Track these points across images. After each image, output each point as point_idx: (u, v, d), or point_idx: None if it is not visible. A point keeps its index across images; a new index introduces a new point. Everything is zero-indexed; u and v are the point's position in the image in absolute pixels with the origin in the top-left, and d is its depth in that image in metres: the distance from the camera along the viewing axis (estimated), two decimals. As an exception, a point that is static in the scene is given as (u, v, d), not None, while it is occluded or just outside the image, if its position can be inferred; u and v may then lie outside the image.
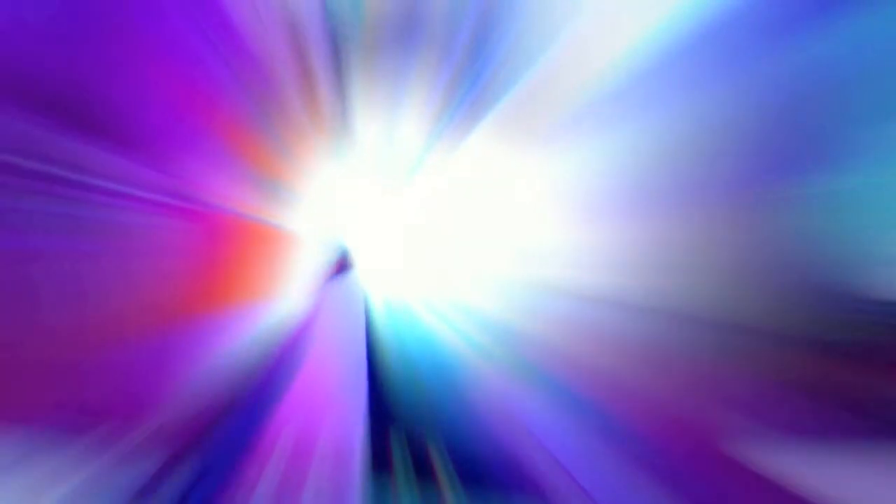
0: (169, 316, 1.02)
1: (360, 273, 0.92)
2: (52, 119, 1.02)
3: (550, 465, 0.83)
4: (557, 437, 0.84)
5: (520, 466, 0.81)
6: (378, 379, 0.91)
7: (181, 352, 1.01)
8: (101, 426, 0.76)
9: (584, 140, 0.95)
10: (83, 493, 0.63)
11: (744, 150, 0.87)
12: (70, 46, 1.01)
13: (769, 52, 0.89)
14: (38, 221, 1.07)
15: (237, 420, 0.76)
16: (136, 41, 1.06)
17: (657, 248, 0.90)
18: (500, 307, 0.85)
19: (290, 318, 0.87)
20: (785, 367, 0.86)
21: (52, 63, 0.98)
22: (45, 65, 0.96)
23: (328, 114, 1.12)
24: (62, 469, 0.66)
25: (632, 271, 0.91)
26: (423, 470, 0.70)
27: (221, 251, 1.03)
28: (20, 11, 0.97)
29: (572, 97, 0.94)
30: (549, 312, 0.82)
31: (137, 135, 1.04)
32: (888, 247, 0.90)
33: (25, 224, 1.05)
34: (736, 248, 0.85)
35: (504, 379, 0.82)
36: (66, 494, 0.63)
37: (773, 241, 0.85)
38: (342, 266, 0.91)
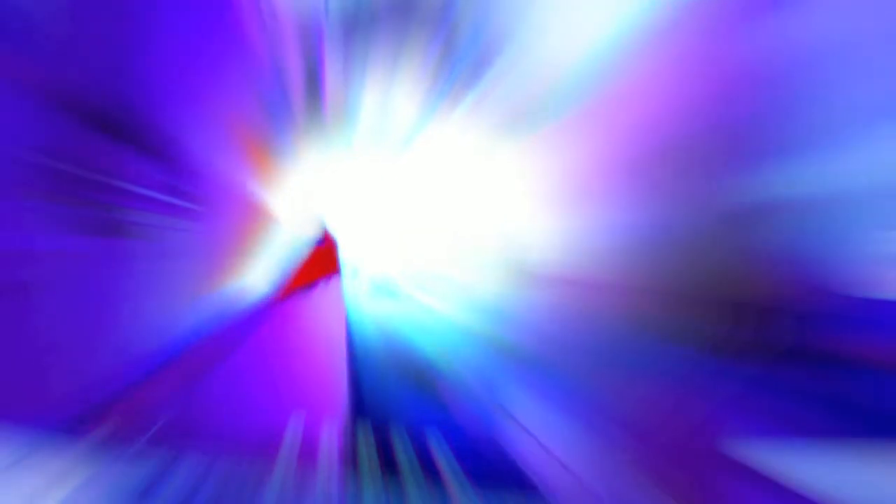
0: (180, 311, 1.04)
1: (347, 253, 0.93)
2: (92, 131, 1.09)
3: (534, 448, 0.85)
4: (541, 416, 0.86)
5: (505, 450, 0.82)
6: (364, 360, 0.92)
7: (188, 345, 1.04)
8: (103, 425, 0.77)
9: (569, 129, 0.98)
10: (85, 493, 0.63)
11: (715, 145, 0.91)
12: (106, 65, 1.07)
13: (745, 45, 0.92)
14: (70, 223, 1.12)
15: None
16: (167, 61, 1.13)
17: (632, 233, 0.94)
18: (484, 284, 0.86)
19: (258, 295, 0.89)
20: (740, 348, 0.89)
21: (89, 77, 1.05)
22: (84, 79, 1.03)
23: (326, 95, 1.15)
24: (64, 469, 0.67)
25: (609, 254, 0.94)
26: (402, 460, 0.71)
27: (228, 248, 1.07)
28: (67, 37, 1.04)
29: (559, 86, 0.97)
30: (531, 291, 0.84)
31: (164, 145, 1.12)
32: (845, 244, 0.93)
33: (59, 225, 1.10)
34: (703, 234, 0.88)
35: (487, 354, 0.83)
36: (68, 494, 0.63)
37: (735, 230, 0.88)
38: (327, 248, 0.92)
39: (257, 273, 0.90)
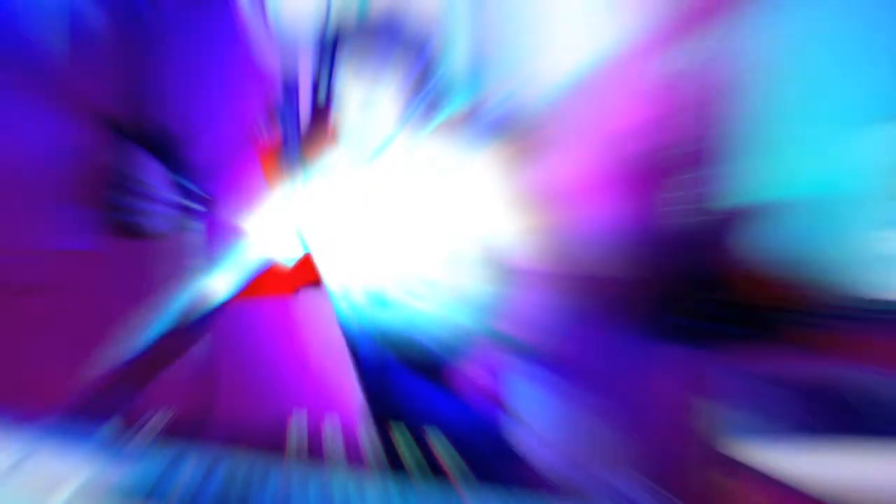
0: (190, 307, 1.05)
1: (334, 265, 0.95)
2: (116, 140, 1.14)
3: (532, 438, 0.87)
4: (535, 405, 0.88)
5: (505, 441, 0.84)
6: (364, 360, 0.94)
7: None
8: (109, 422, 0.77)
9: (540, 140, 1.04)
10: (90, 492, 0.64)
11: (681, 153, 0.96)
12: (133, 83, 1.13)
13: (720, 58, 0.97)
14: (98, 226, 1.14)
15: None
16: (183, 78, 1.18)
17: (607, 232, 0.99)
18: (468, 283, 0.89)
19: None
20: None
21: (118, 93, 1.13)
22: (114, 96, 1.13)
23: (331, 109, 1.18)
24: (69, 467, 0.67)
25: (582, 251, 0.99)
26: (407, 455, 0.71)
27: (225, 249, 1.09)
28: (97, 59, 1.11)
29: (530, 103, 1.04)
30: (509, 286, 0.87)
31: (187, 158, 1.18)
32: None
33: (88, 228, 1.13)
34: (677, 234, 0.94)
35: (479, 347, 0.86)
36: (73, 493, 0.64)
37: (714, 229, 0.93)
38: (305, 260, 0.94)
39: (228, 278, 0.94)
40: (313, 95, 0.87)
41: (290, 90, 1.18)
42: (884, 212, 0.89)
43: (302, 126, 1.22)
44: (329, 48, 0.83)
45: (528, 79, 1.08)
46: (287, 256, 0.94)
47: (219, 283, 0.92)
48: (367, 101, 0.82)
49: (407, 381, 0.88)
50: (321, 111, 1.15)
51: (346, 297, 0.93)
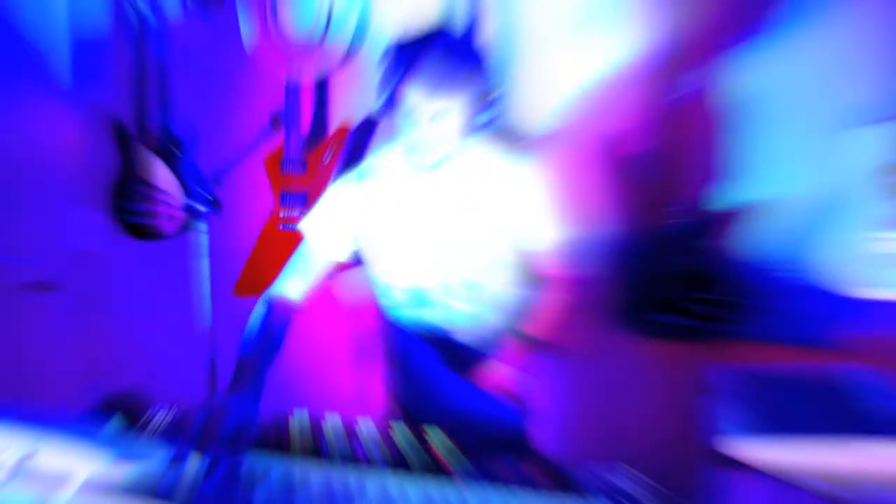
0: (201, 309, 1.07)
1: (375, 261, 0.96)
2: (132, 146, 1.24)
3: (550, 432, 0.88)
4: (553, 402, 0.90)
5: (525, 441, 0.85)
6: (399, 361, 0.96)
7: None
8: (121, 419, 0.78)
9: (562, 157, 1.11)
10: (94, 489, 0.64)
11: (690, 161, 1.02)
12: (147, 94, 1.24)
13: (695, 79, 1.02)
14: (111, 228, 1.18)
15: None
16: (212, 96, 1.20)
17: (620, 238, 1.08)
18: (503, 286, 0.93)
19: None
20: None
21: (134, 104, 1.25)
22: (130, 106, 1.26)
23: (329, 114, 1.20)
24: (73, 464, 0.68)
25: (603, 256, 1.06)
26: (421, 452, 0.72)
27: (253, 251, 1.13)
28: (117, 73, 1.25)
29: (558, 121, 1.12)
30: (539, 289, 0.91)
31: (196, 161, 1.26)
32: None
33: (103, 230, 1.12)
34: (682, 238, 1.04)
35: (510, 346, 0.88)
36: (77, 490, 0.64)
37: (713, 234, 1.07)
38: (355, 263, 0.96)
39: (289, 282, 0.94)
40: (376, 105, 0.90)
41: (296, 95, 1.19)
42: (876, 212, 0.89)
43: (305, 129, 1.23)
44: (401, 62, 0.84)
45: (535, 89, 1.11)
46: (340, 257, 0.96)
47: (291, 286, 0.92)
48: (433, 113, 0.84)
49: (434, 376, 0.90)
50: (328, 117, 1.17)
51: (390, 294, 0.95)
